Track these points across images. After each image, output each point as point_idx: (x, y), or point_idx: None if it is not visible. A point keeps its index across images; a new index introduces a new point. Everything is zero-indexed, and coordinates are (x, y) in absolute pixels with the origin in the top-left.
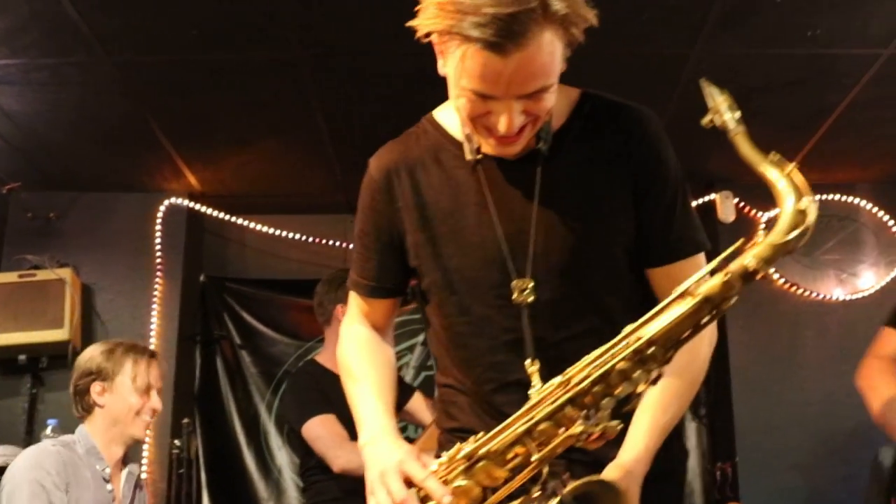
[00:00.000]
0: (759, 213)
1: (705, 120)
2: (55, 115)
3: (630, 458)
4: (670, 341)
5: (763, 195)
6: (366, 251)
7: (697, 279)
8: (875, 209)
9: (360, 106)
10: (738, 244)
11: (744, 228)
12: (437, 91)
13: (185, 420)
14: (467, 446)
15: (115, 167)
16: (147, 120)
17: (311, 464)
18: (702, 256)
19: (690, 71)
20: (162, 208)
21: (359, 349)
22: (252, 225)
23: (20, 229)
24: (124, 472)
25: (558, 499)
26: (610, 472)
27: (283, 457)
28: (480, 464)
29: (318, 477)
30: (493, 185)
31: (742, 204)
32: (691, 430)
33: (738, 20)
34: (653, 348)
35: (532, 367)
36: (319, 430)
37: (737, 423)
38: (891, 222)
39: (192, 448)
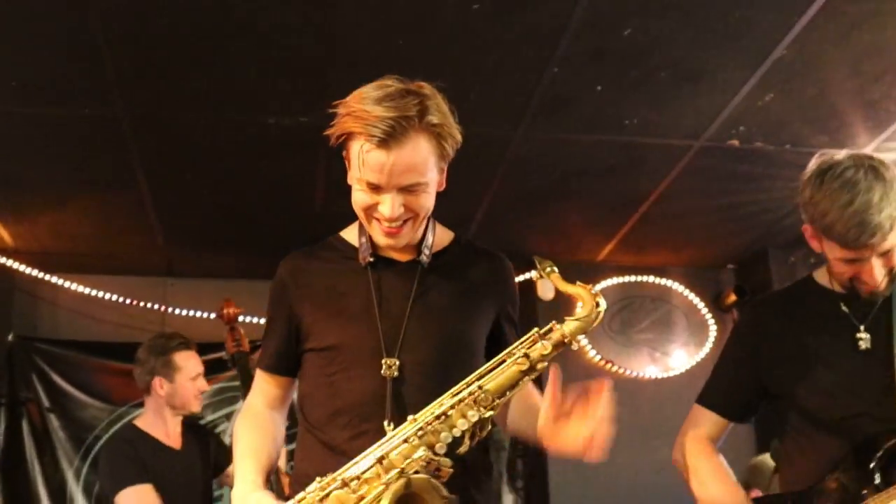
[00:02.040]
0: None
1: (533, 275)
2: None
3: None
4: (500, 391)
5: (581, 273)
6: (273, 335)
7: (520, 344)
8: (686, 292)
9: (185, 170)
10: (549, 325)
11: (561, 305)
12: (266, 162)
13: None
14: (321, 481)
15: None
16: None
17: None
18: None
19: (513, 152)
20: None
21: (248, 423)
22: (67, 284)
23: None
24: None
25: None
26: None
27: None
28: (333, 494)
29: None
30: (379, 283)
31: None
32: (508, 501)
33: (560, 106)
34: (485, 394)
35: (388, 427)
36: (133, 500)
37: (551, 495)
38: (700, 305)
39: None
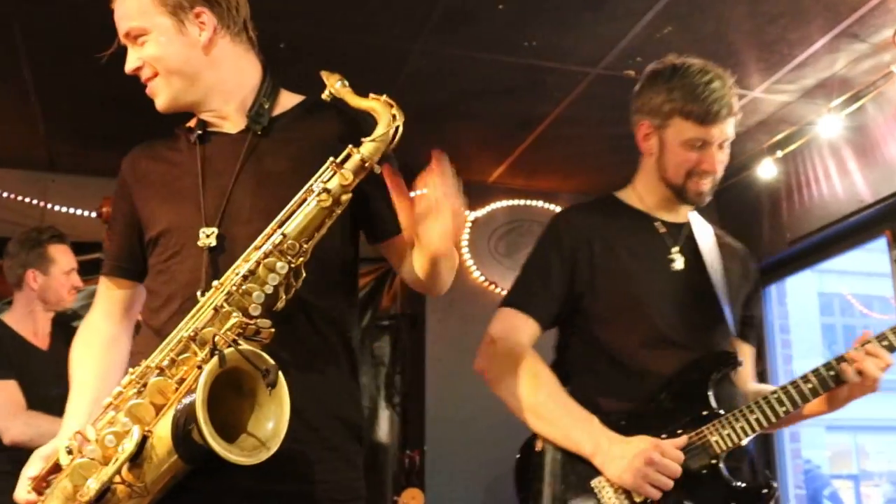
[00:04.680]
0: (466, 211)
1: (325, 94)
2: None
3: None
4: (306, 234)
5: (470, 193)
6: (112, 235)
7: (318, 179)
8: None
9: (71, 61)
10: (346, 151)
11: None
12: None
13: None
14: (137, 370)
15: None
16: None
17: None
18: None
19: (412, 66)
20: None
21: (84, 352)
22: None
23: None
24: None
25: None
26: None
27: None
28: (150, 383)
29: None
30: (208, 156)
31: None
32: (384, 417)
33: (460, 21)
34: (291, 242)
35: (201, 298)
36: None
37: (428, 412)
38: None
39: None
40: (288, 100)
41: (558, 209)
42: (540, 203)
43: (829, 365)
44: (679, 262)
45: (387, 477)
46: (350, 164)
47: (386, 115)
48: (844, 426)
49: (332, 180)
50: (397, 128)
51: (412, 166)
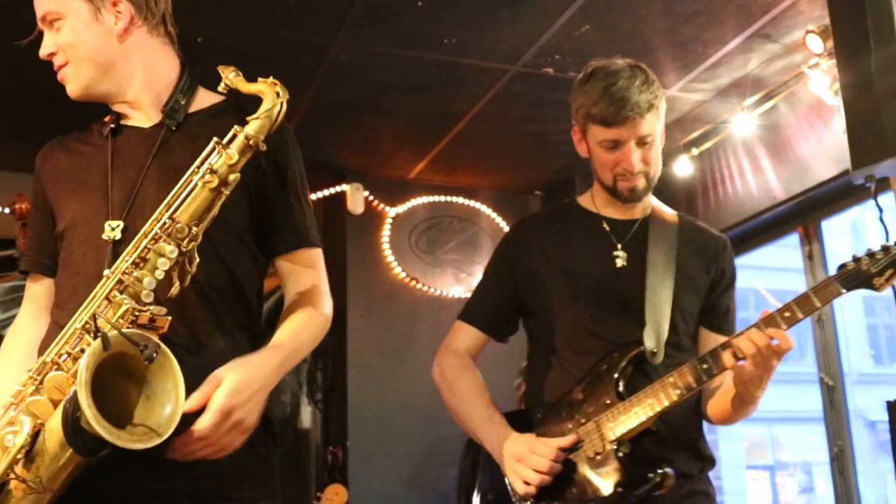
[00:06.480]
0: (387, 208)
1: (220, 86)
2: None
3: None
4: (196, 218)
5: (391, 189)
6: (31, 231)
7: (203, 160)
8: (494, 215)
9: None
10: (231, 131)
11: (371, 220)
12: None
13: None
14: (34, 366)
15: None
16: None
17: None
18: (318, 252)
19: (330, 62)
20: None
21: (8, 359)
22: None
23: None
24: None
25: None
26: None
27: None
28: (48, 377)
29: None
30: (119, 149)
31: (371, 197)
32: (307, 413)
33: (380, 17)
34: (180, 226)
35: (95, 289)
36: None
37: (350, 408)
38: (507, 229)
39: None
40: (206, 98)
41: (478, 205)
42: (460, 199)
43: (714, 350)
44: (622, 259)
45: (310, 473)
46: (235, 144)
47: (270, 94)
48: (760, 418)
49: (217, 161)
50: (282, 104)
51: (333, 161)
